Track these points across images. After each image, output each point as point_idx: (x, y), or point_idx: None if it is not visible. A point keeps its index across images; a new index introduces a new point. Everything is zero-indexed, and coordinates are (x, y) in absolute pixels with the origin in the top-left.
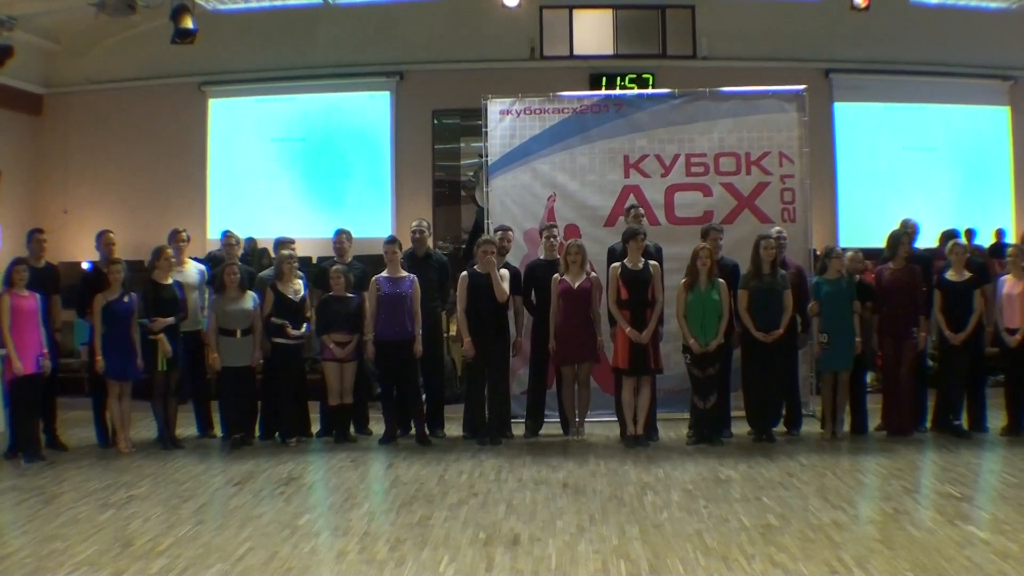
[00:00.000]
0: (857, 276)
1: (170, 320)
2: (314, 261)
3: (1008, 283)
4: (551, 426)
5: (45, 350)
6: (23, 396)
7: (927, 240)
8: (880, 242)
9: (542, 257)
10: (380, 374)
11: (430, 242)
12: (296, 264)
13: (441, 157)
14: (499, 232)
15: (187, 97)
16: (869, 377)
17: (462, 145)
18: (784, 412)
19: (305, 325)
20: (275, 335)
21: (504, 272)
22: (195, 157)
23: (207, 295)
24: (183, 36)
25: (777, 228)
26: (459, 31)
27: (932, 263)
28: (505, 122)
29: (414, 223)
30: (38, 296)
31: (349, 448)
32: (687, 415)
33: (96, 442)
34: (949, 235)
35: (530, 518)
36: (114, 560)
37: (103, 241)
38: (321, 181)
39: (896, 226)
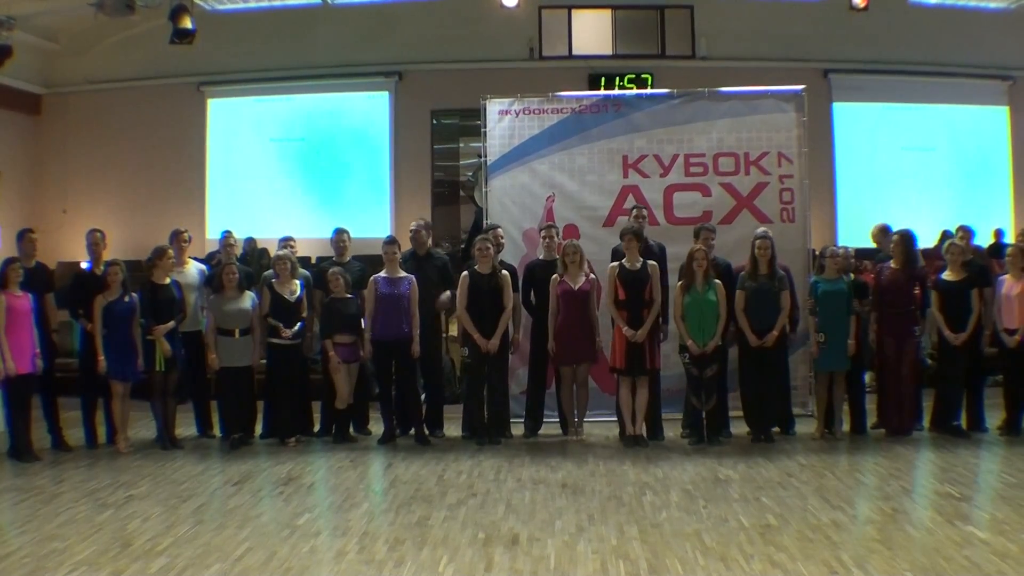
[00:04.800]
0: (851, 275)
1: (170, 325)
2: (313, 261)
3: (1007, 283)
4: (550, 426)
5: (38, 350)
6: (16, 396)
7: (926, 240)
8: None
9: (541, 257)
10: (378, 374)
11: (430, 242)
12: (288, 265)
13: (440, 157)
14: (490, 231)
15: (186, 97)
16: (868, 377)
17: (461, 145)
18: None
19: (299, 324)
20: (271, 335)
21: (505, 273)
22: (194, 157)
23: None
24: (182, 36)
25: (762, 228)
26: (458, 31)
27: (928, 263)
28: (504, 122)
29: (412, 223)
30: (31, 296)
31: (348, 448)
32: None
33: (84, 443)
34: (947, 235)
35: (529, 518)
36: (113, 560)
37: (91, 240)
38: (320, 181)
39: (895, 228)
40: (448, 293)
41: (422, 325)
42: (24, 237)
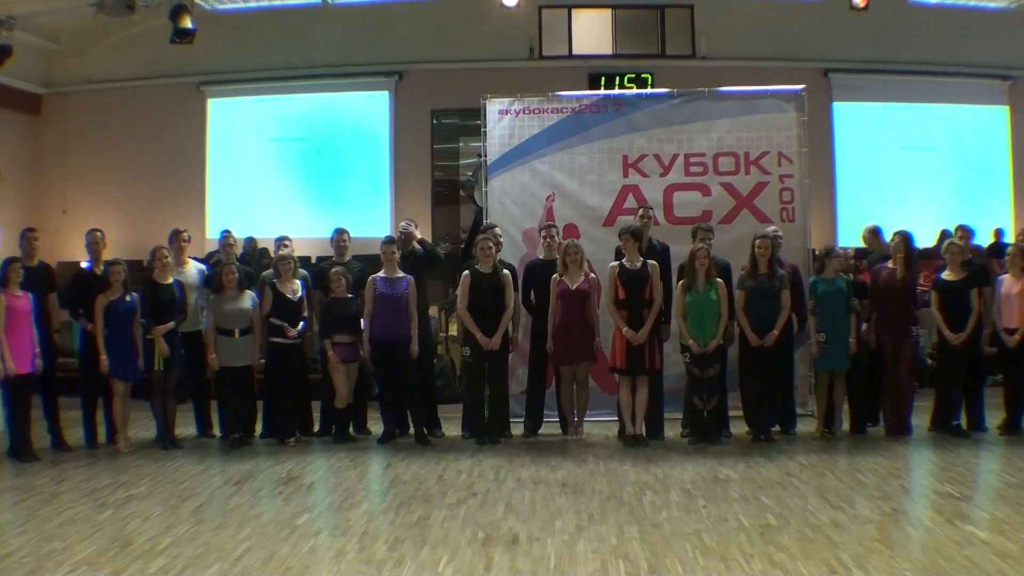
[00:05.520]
0: (851, 275)
1: (170, 325)
2: (313, 261)
3: (1007, 283)
4: (550, 426)
5: (38, 349)
6: (16, 396)
7: (926, 240)
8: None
9: (541, 257)
10: (378, 374)
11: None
12: (292, 265)
13: (440, 157)
14: (487, 231)
15: (186, 97)
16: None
17: (461, 145)
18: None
19: (302, 324)
20: (273, 335)
21: (507, 273)
22: (194, 157)
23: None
24: (182, 36)
25: (772, 227)
26: (458, 31)
27: (928, 263)
28: (504, 122)
29: (402, 223)
30: (31, 296)
31: (348, 448)
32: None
33: (84, 443)
34: (946, 235)
35: (529, 518)
36: (113, 560)
37: (91, 240)
38: (320, 181)
39: (894, 228)
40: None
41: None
42: (24, 237)
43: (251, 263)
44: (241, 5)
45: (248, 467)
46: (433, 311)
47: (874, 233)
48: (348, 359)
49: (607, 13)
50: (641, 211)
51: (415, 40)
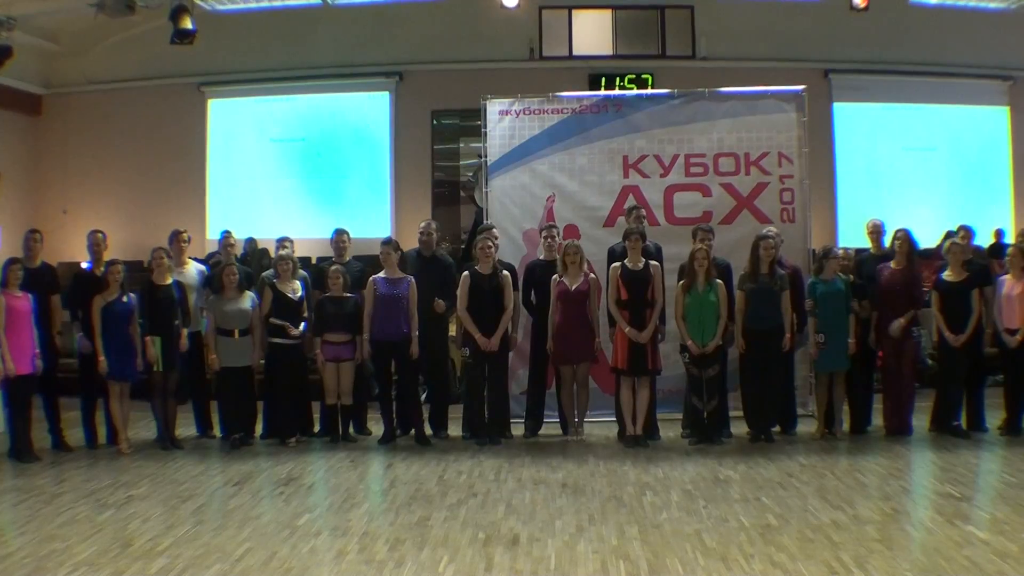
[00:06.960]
0: (850, 276)
1: (183, 338)
2: (313, 261)
3: (1008, 283)
4: (550, 426)
5: (37, 350)
6: (16, 397)
7: (926, 240)
8: None
9: (542, 257)
10: (378, 374)
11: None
12: (291, 265)
13: (440, 157)
14: (485, 232)
15: (186, 97)
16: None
17: (461, 145)
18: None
19: (303, 324)
20: (273, 335)
21: (506, 274)
22: (194, 157)
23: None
24: (182, 36)
25: (773, 228)
26: (458, 31)
27: (928, 263)
28: (504, 122)
29: (422, 223)
30: (31, 296)
31: (348, 448)
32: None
33: (84, 443)
34: (950, 235)
35: (529, 518)
36: (113, 560)
37: (92, 241)
38: (320, 181)
39: (894, 228)
40: (440, 303)
41: (428, 325)
42: (26, 238)
43: (251, 264)
44: (241, 5)
45: (248, 468)
46: None
47: (877, 229)
48: (341, 358)
49: (607, 14)
50: (635, 212)
51: (415, 41)
